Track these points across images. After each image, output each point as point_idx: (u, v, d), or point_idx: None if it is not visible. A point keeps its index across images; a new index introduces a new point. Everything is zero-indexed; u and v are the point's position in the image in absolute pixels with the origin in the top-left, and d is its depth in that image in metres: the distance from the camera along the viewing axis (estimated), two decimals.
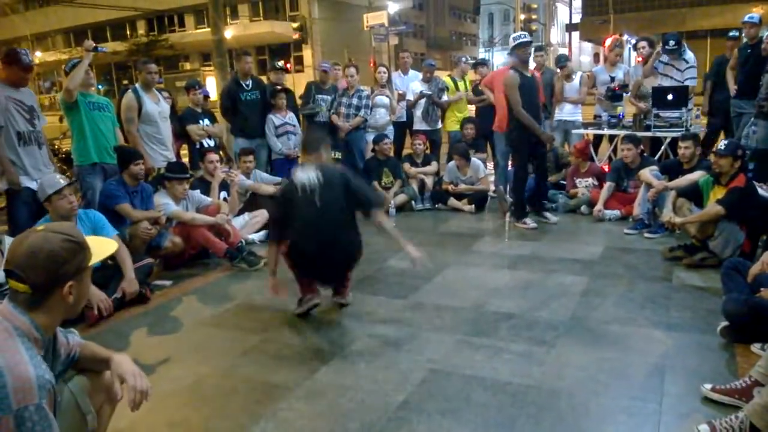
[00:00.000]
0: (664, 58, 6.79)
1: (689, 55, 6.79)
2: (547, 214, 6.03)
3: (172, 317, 4.00)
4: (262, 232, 5.81)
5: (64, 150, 7.70)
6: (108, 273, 4.01)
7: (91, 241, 1.88)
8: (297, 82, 26.01)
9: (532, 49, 5.79)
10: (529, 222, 5.85)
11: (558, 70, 7.76)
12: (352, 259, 3.82)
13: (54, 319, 1.77)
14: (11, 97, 4.35)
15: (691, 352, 3.10)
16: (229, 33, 24.73)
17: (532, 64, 7.59)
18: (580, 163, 6.52)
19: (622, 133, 6.78)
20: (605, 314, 3.65)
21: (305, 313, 3.75)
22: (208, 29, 11.78)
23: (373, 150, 7.11)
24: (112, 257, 4.00)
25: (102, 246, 1.98)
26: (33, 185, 4.28)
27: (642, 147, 6.12)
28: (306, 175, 3.67)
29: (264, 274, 4.73)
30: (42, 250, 1.69)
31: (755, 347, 3.02)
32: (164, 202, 4.92)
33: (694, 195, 4.69)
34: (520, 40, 5.75)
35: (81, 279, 1.78)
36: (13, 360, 1.57)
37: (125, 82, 37.29)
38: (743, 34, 6.76)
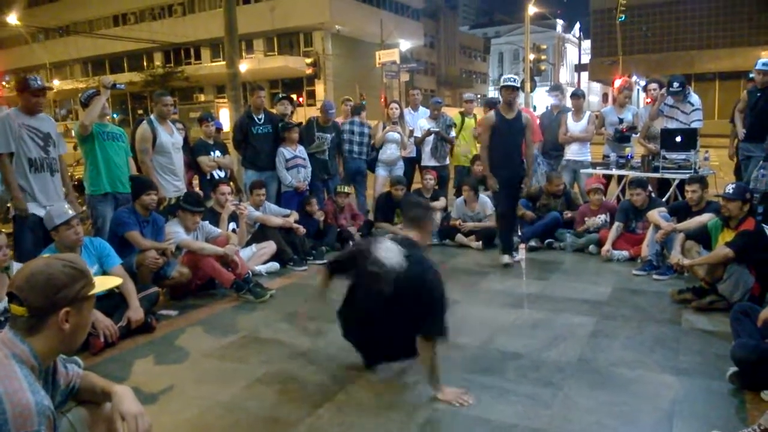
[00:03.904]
0: (669, 100, 6.84)
1: (694, 98, 6.83)
2: (505, 257, 5.87)
3: (176, 347, 3.99)
4: (269, 264, 5.82)
5: (76, 177, 7.80)
6: (114, 302, 4.02)
7: (96, 278, 1.89)
8: (309, 116, 26.35)
9: (517, 93, 5.79)
10: (506, 258, 5.86)
11: (572, 105, 7.83)
12: (394, 355, 3.32)
13: (51, 348, 1.76)
14: (25, 124, 4.41)
15: (700, 397, 3.05)
16: (244, 66, 25.15)
17: (551, 102, 8.11)
18: (593, 201, 6.49)
19: (631, 173, 6.79)
20: (613, 356, 3.60)
21: None
22: (224, 62, 12.01)
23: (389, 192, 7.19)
24: (118, 286, 4.01)
25: (106, 279, 2.00)
26: (41, 212, 4.31)
27: (650, 188, 6.12)
28: (392, 253, 3.08)
29: (270, 306, 4.76)
30: (42, 273, 1.72)
31: (765, 394, 2.96)
32: (175, 231, 4.95)
33: (703, 238, 4.67)
34: (504, 84, 5.76)
35: (80, 308, 1.78)
36: (12, 387, 1.57)
37: (140, 112, 37.95)
38: (753, 79, 6.81)
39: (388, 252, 3.09)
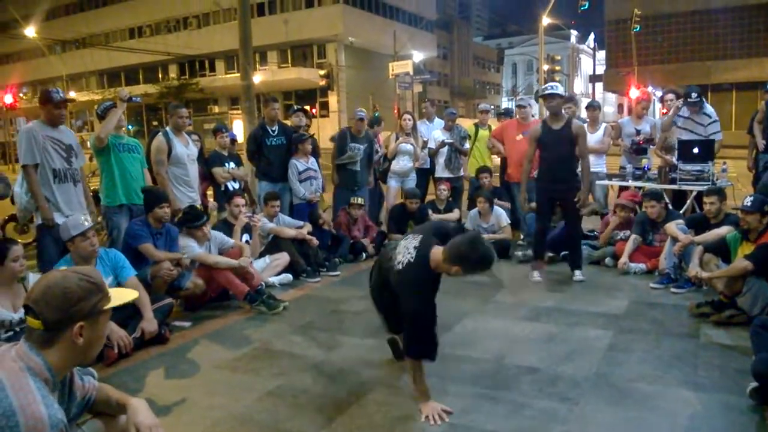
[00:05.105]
0: (685, 112, 6.77)
1: (709, 109, 6.76)
2: (577, 272, 5.70)
3: (189, 359, 3.98)
4: (283, 275, 5.83)
5: (92, 188, 7.87)
6: (127, 313, 4.03)
7: (112, 291, 1.89)
8: (322, 127, 26.53)
9: (558, 100, 5.50)
10: (536, 275, 5.71)
11: (587, 117, 7.79)
12: None
13: (66, 361, 1.76)
14: (49, 135, 4.50)
15: (720, 413, 3.00)
16: (258, 78, 25.43)
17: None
18: (620, 216, 6.26)
19: (647, 185, 6.72)
20: (631, 371, 3.55)
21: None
22: (238, 74, 12.10)
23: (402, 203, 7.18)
24: None
25: (122, 293, 2.00)
26: None
27: (666, 200, 6.04)
28: (404, 253, 3.10)
29: (283, 318, 4.74)
30: (57, 286, 1.72)
31: None
32: (189, 245, 4.96)
33: (722, 251, 4.60)
34: (545, 92, 5.56)
35: (95, 322, 1.78)
36: (26, 400, 1.57)
37: (155, 123, 38.37)
38: None
39: (403, 253, 3.10)
